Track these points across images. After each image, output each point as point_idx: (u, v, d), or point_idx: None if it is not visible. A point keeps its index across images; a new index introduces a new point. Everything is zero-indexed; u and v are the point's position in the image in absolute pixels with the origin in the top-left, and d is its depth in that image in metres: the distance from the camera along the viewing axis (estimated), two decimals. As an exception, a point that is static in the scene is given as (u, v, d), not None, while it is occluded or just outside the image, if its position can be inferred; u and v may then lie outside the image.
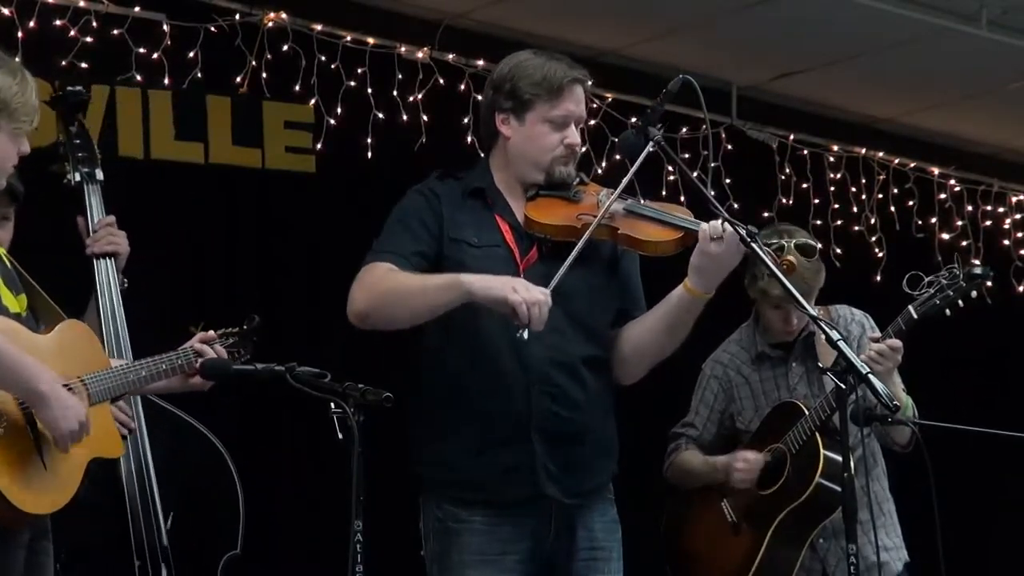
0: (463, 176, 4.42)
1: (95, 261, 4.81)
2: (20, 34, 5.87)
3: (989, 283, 5.08)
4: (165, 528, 4.67)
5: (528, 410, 4.21)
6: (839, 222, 7.80)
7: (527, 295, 4.05)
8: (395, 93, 6.64)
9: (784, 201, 7.62)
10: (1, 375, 3.70)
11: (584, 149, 6.90)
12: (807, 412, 5.11)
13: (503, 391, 4.20)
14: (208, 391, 4.37)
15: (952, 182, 8.21)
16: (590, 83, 4.47)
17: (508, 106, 4.35)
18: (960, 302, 4.96)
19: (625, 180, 4.28)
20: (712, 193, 4.39)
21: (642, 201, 4.38)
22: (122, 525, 4.64)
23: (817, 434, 5.07)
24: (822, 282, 5.26)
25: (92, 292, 4.79)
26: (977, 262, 7.73)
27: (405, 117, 6.63)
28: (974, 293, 4.97)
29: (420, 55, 6.72)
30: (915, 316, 4.96)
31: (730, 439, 5.36)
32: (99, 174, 4.90)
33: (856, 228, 7.89)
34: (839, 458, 4.21)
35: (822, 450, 5.04)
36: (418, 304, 4.20)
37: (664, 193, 6.71)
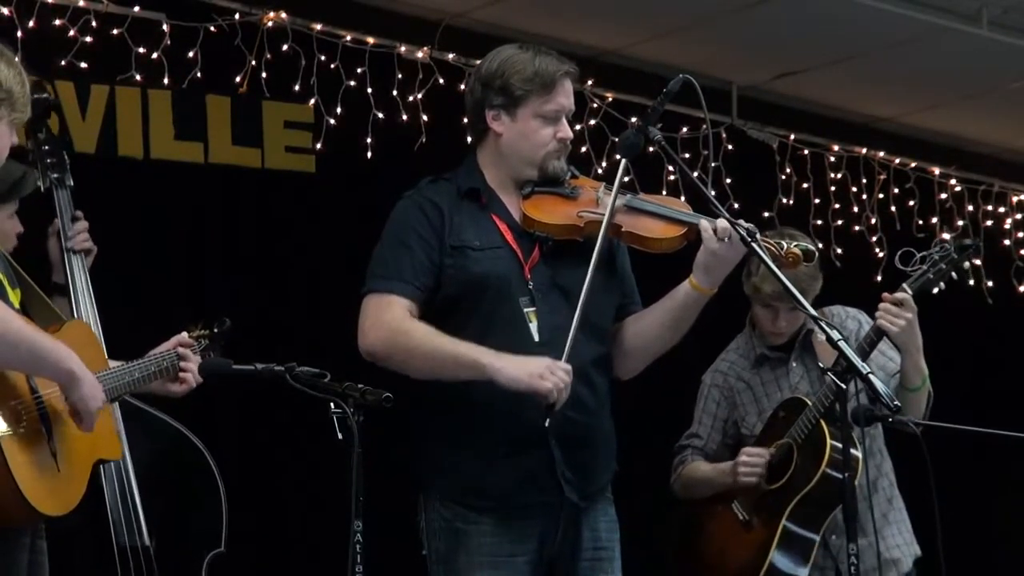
0: (451, 176, 4.37)
1: (71, 257, 4.81)
2: (20, 34, 5.86)
3: (977, 257, 5.08)
4: (146, 528, 4.66)
5: (544, 416, 4.17)
6: (840, 222, 7.80)
7: (555, 380, 4.04)
8: (395, 93, 6.63)
9: (784, 201, 7.62)
10: (35, 358, 3.70)
11: (584, 149, 6.93)
12: (810, 403, 5.11)
13: (517, 397, 4.14)
14: (208, 392, 4.36)
15: (953, 182, 8.21)
16: (582, 76, 4.44)
17: (499, 102, 4.30)
18: (953, 274, 4.98)
19: (619, 174, 4.27)
20: (712, 193, 4.39)
21: (640, 195, 4.37)
22: (102, 526, 4.63)
23: (822, 422, 5.06)
24: (818, 290, 5.26)
25: (53, 292, 4.78)
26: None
27: (405, 117, 6.63)
28: (967, 264, 4.99)
29: (420, 55, 6.71)
30: (909, 292, 4.96)
31: (735, 447, 5.34)
32: (69, 179, 4.90)
33: (857, 228, 7.88)
34: (843, 454, 4.22)
35: (828, 439, 5.02)
36: (433, 370, 4.16)
37: (664, 193, 6.70)
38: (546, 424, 4.07)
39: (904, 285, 4.99)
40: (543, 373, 4.05)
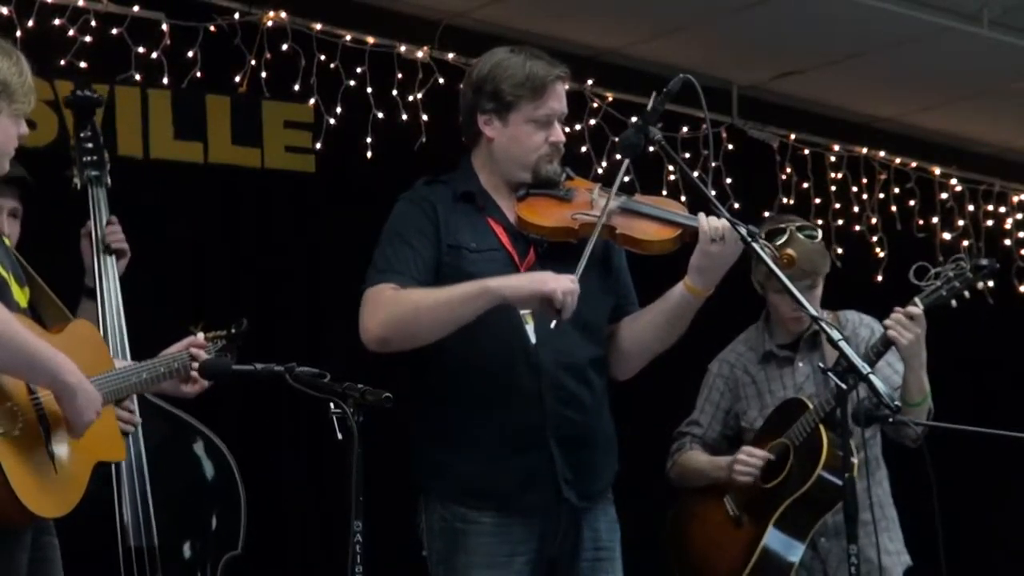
0: (447, 179, 4.37)
1: (102, 258, 4.80)
2: (19, 33, 5.86)
3: (992, 279, 5.07)
4: (154, 528, 4.66)
5: (542, 416, 4.19)
6: (840, 222, 7.80)
7: (560, 284, 4.03)
8: (395, 93, 6.63)
9: (785, 201, 7.62)
10: (31, 365, 3.69)
11: (584, 149, 6.93)
12: (811, 406, 5.11)
13: (515, 398, 4.17)
14: (208, 392, 4.36)
15: (953, 182, 8.21)
16: (582, 76, 4.44)
17: (491, 107, 4.30)
18: (966, 293, 4.97)
19: (619, 178, 4.26)
20: (713, 193, 4.38)
21: (635, 197, 4.37)
22: (111, 525, 4.63)
23: (821, 426, 5.05)
24: (827, 267, 5.23)
25: (83, 295, 4.78)
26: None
27: (405, 117, 6.63)
28: (980, 285, 4.97)
29: (420, 54, 6.71)
30: (920, 307, 4.95)
31: (734, 438, 5.35)
32: (107, 178, 4.90)
33: (857, 228, 7.89)
34: (843, 454, 4.22)
35: (826, 443, 5.02)
36: (445, 318, 4.13)
37: (665, 192, 6.70)
38: (552, 326, 4.04)
39: (916, 299, 4.96)
40: (546, 279, 4.06)
